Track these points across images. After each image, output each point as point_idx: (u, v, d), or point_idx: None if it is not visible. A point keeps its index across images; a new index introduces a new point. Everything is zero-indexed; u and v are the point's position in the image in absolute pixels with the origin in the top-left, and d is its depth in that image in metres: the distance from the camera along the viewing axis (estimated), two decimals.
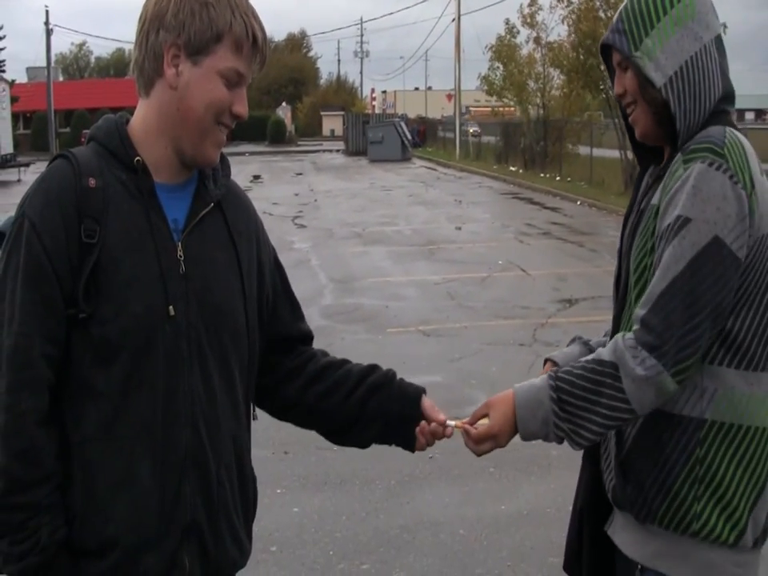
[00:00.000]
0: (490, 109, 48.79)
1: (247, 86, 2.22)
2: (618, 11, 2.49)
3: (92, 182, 2.10)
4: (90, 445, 2.08)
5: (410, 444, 2.49)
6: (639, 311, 2.25)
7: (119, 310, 2.06)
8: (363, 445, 2.56)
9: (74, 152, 2.17)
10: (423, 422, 2.48)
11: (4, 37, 68.15)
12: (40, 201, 2.09)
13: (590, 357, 2.33)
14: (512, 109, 50.54)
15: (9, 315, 2.05)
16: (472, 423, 2.47)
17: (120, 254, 2.08)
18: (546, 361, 2.76)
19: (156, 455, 2.10)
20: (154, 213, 2.14)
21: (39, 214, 2.07)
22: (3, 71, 61.77)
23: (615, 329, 2.45)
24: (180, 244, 2.15)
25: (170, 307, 2.11)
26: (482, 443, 2.44)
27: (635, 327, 2.24)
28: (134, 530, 2.10)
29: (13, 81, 49.30)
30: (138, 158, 2.14)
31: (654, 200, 2.35)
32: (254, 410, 2.40)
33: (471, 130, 50.09)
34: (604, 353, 2.28)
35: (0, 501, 2.03)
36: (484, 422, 2.44)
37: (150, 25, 2.12)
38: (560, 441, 2.35)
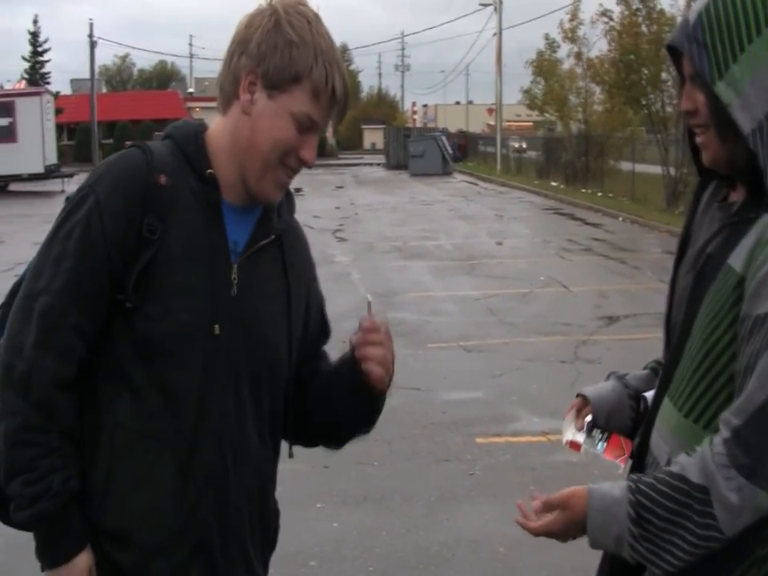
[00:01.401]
0: (511, 124, 48.79)
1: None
2: (697, 12, 2.00)
3: (162, 179, 2.10)
4: (120, 432, 2.10)
5: (365, 384, 2.22)
6: (731, 419, 1.89)
7: (166, 314, 2.07)
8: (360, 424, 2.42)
9: (149, 145, 2.17)
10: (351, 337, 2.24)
11: (49, 49, 69.20)
12: (110, 182, 2.10)
13: (674, 469, 1.94)
14: (529, 124, 50.40)
15: (50, 274, 2.06)
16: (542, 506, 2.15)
17: (177, 258, 2.08)
18: (577, 396, 2.48)
19: (181, 465, 2.11)
20: (216, 228, 2.14)
21: (106, 193, 2.07)
22: (48, 83, 62.63)
23: (665, 382, 2.14)
24: (236, 266, 2.15)
25: (216, 326, 2.11)
26: (540, 528, 2.13)
27: (725, 435, 1.89)
28: (148, 528, 2.11)
29: (57, 92, 49.75)
30: (210, 170, 2.14)
31: (735, 263, 1.96)
32: (290, 448, 2.36)
33: (516, 146, 49.91)
34: (690, 469, 1.91)
35: (13, 436, 2.04)
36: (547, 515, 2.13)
37: (236, 47, 2.12)
38: (643, 561, 1.99)
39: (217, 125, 2.20)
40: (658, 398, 2.15)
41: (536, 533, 2.12)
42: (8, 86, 60.28)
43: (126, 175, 2.10)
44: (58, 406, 2.05)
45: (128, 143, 2.24)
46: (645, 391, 2.36)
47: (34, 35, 68.70)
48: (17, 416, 2.04)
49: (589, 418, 2.40)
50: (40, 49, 68.96)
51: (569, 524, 2.06)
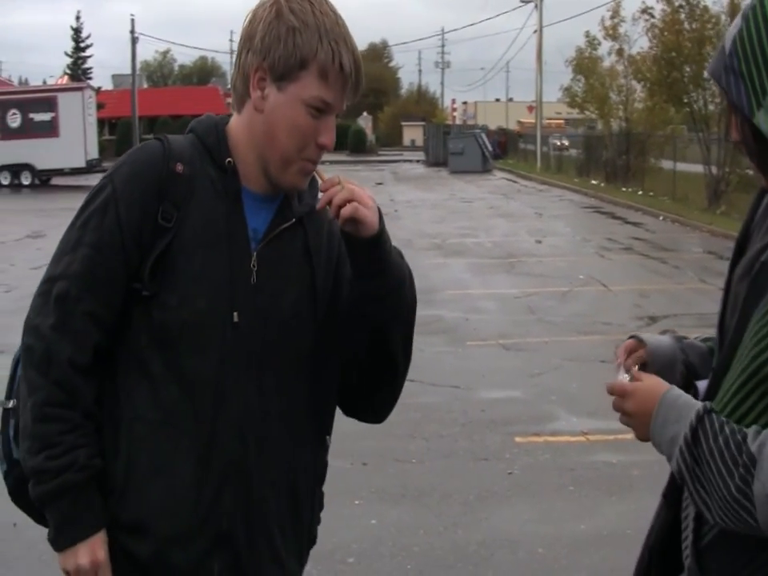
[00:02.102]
0: (550, 121, 48.64)
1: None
2: (731, 38, 1.90)
3: (179, 167, 2.11)
4: (139, 423, 2.10)
5: (356, 241, 2.07)
6: None
7: (183, 301, 2.07)
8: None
9: (168, 137, 2.19)
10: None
11: (91, 45, 69.74)
12: (127, 171, 2.12)
13: (745, 428, 1.88)
14: (561, 121, 50.16)
15: (68, 261, 2.09)
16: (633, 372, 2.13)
17: (193, 246, 2.09)
18: (629, 337, 2.37)
19: (200, 455, 2.10)
20: (235, 216, 2.13)
21: (123, 182, 2.10)
22: (90, 78, 63.07)
23: (714, 387, 2.08)
24: (255, 254, 2.14)
25: (235, 314, 2.10)
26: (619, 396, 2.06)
27: None
28: (166, 519, 2.10)
29: (99, 88, 50.19)
30: (229, 159, 2.14)
31: None
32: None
33: (558, 143, 49.67)
34: (754, 436, 1.84)
35: (39, 409, 2.06)
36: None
37: (243, 45, 2.12)
38: (680, 476, 1.95)
39: (233, 121, 2.20)
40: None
41: (611, 388, 2.08)
42: (51, 82, 60.95)
43: (143, 164, 2.13)
44: (78, 387, 2.07)
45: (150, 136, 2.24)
46: (698, 366, 2.29)
47: (77, 31, 69.28)
48: (41, 391, 2.06)
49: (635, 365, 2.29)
50: (82, 45, 69.52)
51: (642, 398, 2.01)
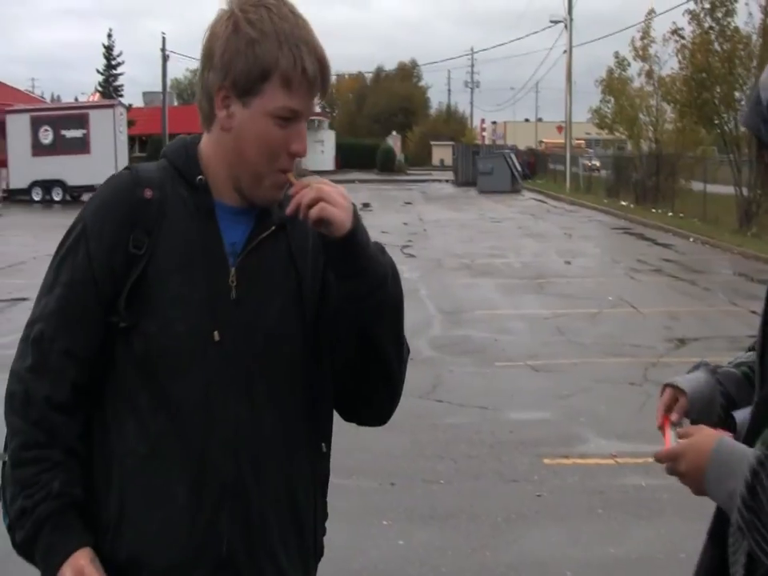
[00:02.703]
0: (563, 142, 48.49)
1: (306, 120, 2.08)
2: (761, 84, 1.90)
3: (148, 193, 2.08)
4: (129, 458, 2.06)
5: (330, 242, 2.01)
6: None
7: (162, 327, 2.04)
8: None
9: (137, 165, 2.18)
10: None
11: (123, 62, 70.38)
12: (95, 205, 2.12)
13: None
14: (580, 141, 49.87)
15: (44, 303, 2.09)
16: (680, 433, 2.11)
17: (168, 270, 2.06)
18: (665, 387, 2.35)
19: (193, 481, 2.05)
20: (210, 234, 2.09)
21: (92, 217, 2.09)
22: (121, 95, 63.58)
23: (757, 423, 2.06)
24: (234, 268, 2.09)
25: (215, 332, 2.05)
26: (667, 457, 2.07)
27: None
28: (163, 550, 2.04)
29: (130, 105, 50.53)
30: (200, 176, 2.10)
31: None
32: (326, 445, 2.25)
33: (590, 164, 49.53)
34: None
35: (17, 455, 2.05)
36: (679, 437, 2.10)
37: (204, 63, 2.07)
38: (740, 529, 1.92)
39: (204, 139, 2.15)
40: (748, 440, 2.05)
41: (660, 457, 2.08)
42: (82, 99, 61.40)
43: (111, 196, 2.11)
44: (57, 425, 2.05)
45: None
46: (735, 396, 2.27)
47: (108, 48, 69.96)
48: (19, 435, 2.05)
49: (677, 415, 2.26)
50: (114, 62, 70.21)
51: (692, 458, 1.99)
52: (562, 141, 52.97)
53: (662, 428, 2.26)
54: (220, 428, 2.05)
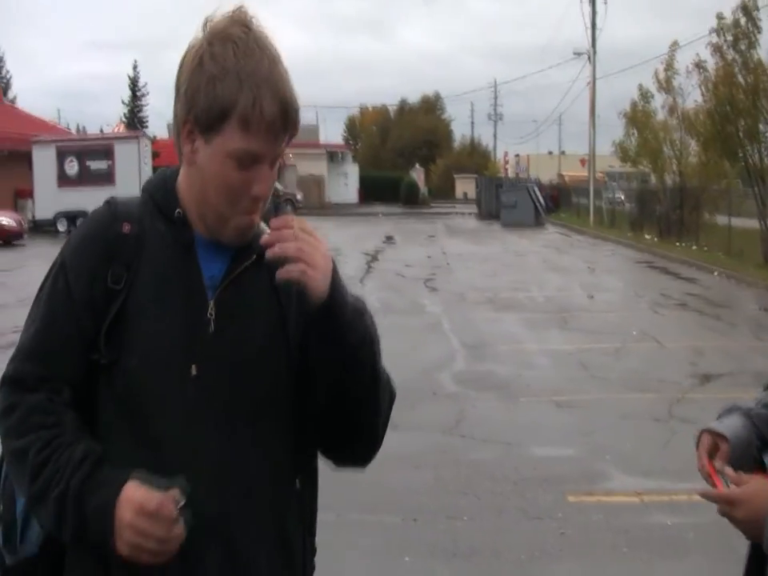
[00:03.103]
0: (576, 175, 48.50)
1: (274, 162, 2.00)
2: None
3: (126, 227, 2.06)
4: None
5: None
6: None
7: (141, 362, 1.99)
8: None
9: (117, 198, 2.15)
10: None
11: (148, 94, 70.97)
12: (73, 242, 2.10)
13: None
14: (600, 174, 49.71)
15: (21, 342, 2.07)
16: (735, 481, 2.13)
17: (147, 305, 2.02)
18: (703, 432, 2.35)
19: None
20: (188, 267, 2.06)
21: (71, 253, 2.08)
22: (146, 127, 64.01)
23: None
24: (212, 302, 2.04)
25: (193, 366, 2.01)
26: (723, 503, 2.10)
27: None
28: None
29: (155, 136, 50.74)
30: (178, 210, 2.06)
31: None
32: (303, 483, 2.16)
33: (614, 197, 49.40)
34: None
35: (11, 448, 2.02)
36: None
37: (174, 95, 2.02)
38: None
39: (180, 172, 2.12)
40: None
41: (713, 498, 2.10)
42: (107, 130, 61.93)
43: (89, 231, 2.09)
44: (43, 401, 2.02)
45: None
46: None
47: (134, 80, 70.63)
48: (9, 438, 2.03)
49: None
50: (139, 93, 70.83)
51: (751, 506, 2.02)
52: (580, 174, 52.93)
53: (707, 474, 2.25)
54: (203, 465, 2.00)
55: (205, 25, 2.00)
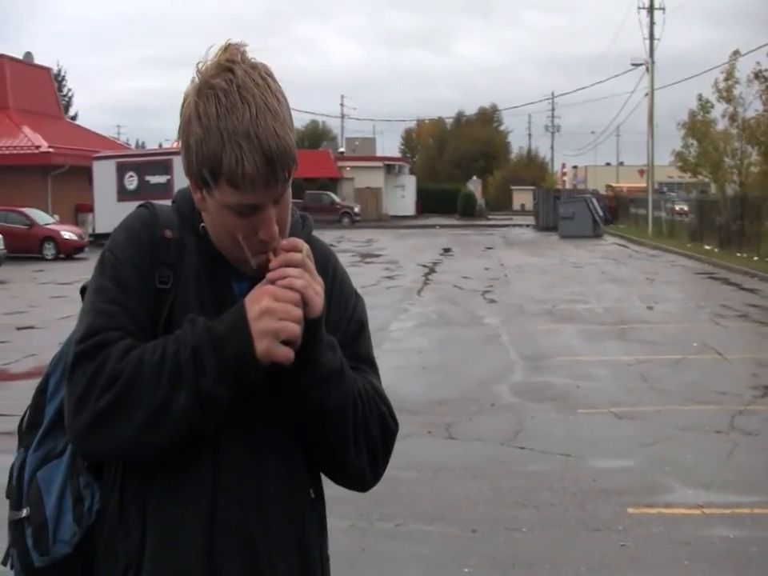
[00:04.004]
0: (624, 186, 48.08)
1: (275, 205, 1.99)
2: None
3: (168, 233, 2.10)
4: (154, 499, 2.03)
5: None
6: None
7: None
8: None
9: (154, 204, 2.17)
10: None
11: None
12: (121, 239, 2.11)
13: None
14: (642, 185, 49.00)
15: (85, 323, 2.04)
16: None
17: (191, 306, 2.05)
18: None
19: (204, 526, 2.02)
20: (219, 277, 2.10)
21: (121, 248, 2.09)
22: None
23: None
24: None
25: None
26: None
27: None
28: None
29: None
30: (202, 224, 2.09)
31: None
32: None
33: (677, 208, 48.96)
34: None
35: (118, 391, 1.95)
36: None
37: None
38: None
39: None
40: None
41: None
42: (166, 145, 62.58)
43: (135, 231, 2.10)
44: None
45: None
46: None
47: None
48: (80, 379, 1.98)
49: None
50: None
51: None
52: (629, 185, 52.49)
53: None
54: (225, 473, 2.03)
55: (197, 70, 1.99)
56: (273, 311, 1.93)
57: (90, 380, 1.95)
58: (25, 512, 2.12)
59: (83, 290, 2.18)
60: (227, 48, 1.98)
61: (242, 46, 1.99)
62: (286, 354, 1.94)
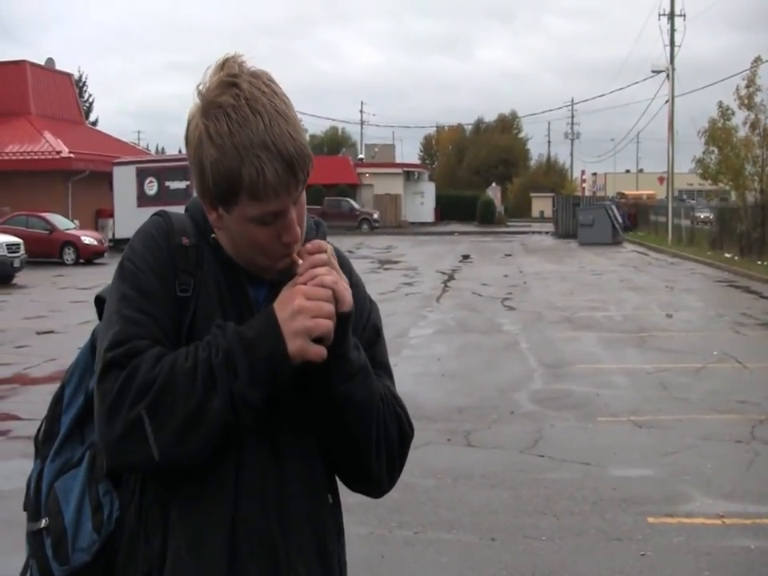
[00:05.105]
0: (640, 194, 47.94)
1: (296, 206, 2.03)
2: None
3: (185, 240, 2.11)
4: (177, 503, 2.03)
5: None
6: None
7: None
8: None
9: (168, 212, 2.18)
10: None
11: None
12: (140, 246, 2.10)
13: None
14: (651, 192, 48.93)
15: (113, 332, 2.01)
16: None
17: (213, 312, 2.06)
18: None
19: (227, 530, 2.02)
20: (236, 285, 2.11)
21: (140, 256, 2.08)
22: None
23: None
24: None
25: None
26: None
27: None
28: None
29: None
30: (213, 235, 2.12)
31: None
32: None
33: (702, 216, 48.73)
34: None
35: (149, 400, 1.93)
36: None
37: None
38: None
39: None
40: None
41: None
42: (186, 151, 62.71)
43: (153, 239, 2.10)
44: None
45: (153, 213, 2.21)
46: None
47: None
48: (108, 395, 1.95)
49: None
50: None
51: None
52: (640, 193, 52.33)
53: None
54: (248, 477, 2.04)
55: (198, 93, 1.99)
56: (306, 309, 1.96)
57: (122, 389, 1.94)
58: (43, 522, 2.12)
59: (97, 300, 2.19)
60: (224, 63, 1.99)
61: (238, 58, 2.00)
62: (320, 351, 1.97)
